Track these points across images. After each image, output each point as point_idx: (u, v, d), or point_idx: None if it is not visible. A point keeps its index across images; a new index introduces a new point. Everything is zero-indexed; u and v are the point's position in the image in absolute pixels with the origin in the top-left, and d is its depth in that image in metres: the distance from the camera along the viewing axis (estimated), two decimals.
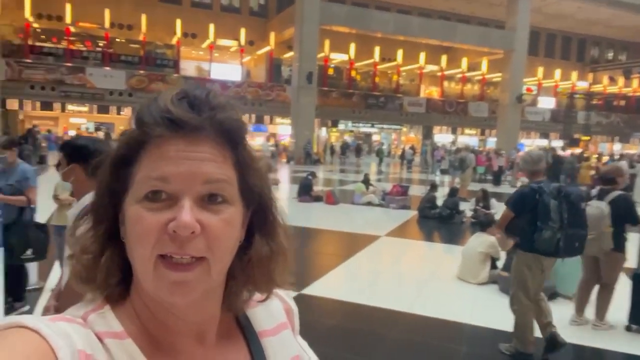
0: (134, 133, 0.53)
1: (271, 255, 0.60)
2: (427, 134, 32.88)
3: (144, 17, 23.95)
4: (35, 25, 23.14)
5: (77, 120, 26.39)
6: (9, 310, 3.77)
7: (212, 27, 25.40)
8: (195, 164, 0.51)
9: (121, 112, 24.53)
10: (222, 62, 27.75)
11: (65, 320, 0.50)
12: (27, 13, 21.71)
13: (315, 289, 5.28)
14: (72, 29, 23.10)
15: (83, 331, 0.50)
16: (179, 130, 0.51)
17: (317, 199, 11.54)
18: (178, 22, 24.78)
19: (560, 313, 4.42)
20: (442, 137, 33.65)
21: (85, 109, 24.36)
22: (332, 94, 27.92)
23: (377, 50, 28.42)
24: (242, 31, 26.41)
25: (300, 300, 4.97)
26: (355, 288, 5.47)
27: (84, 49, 24.40)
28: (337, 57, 29.02)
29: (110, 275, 0.55)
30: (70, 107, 24.07)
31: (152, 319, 0.55)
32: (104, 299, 0.55)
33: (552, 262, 3.66)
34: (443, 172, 19.77)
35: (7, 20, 21.37)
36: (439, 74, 31.31)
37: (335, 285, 5.60)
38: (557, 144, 29.84)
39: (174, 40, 25.41)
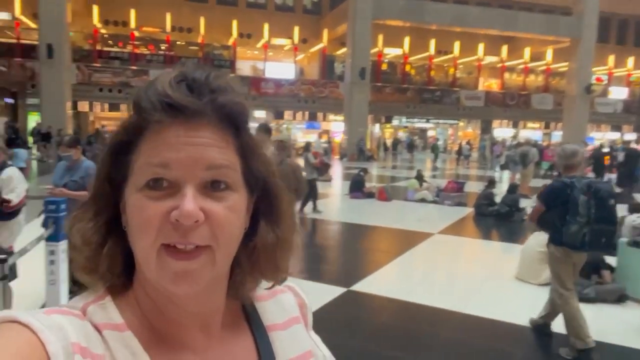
0: (132, 119, 0.52)
1: (277, 243, 0.58)
2: (486, 129, 31.67)
3: (202, 20, 24.78)
4: (103, 31, 24.60)
5: None
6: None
7: (266, 26, 25.85)
8: (197, 149, 0.49)
9: None
10: (276, 61, 28.19)
11: (61, 313, 0.49)
12: (96, 20, 23.12)
13: (365, 286, 5.21)
14: (137, 34, 24.34)
15: (79, 323, 0.49)
16: (178, 115, 0.49)
17: (369, 195, 11.44)
18: (234, 23, 25.42)
19: (630, 317, 4.08)
20: (502, 131, 32.28)
21: None
22: (386, 89, 27.53)
23: (432, 43, 27.71)
24: (296, 29, 26.66)
25: (348, 296, 4.92)
26: (406, 286, 5.34)
27: (147, 52, 25.64)
28: (391, 52, 28.61)
29: (112, 265, 0.54)
30: None
31: (154, 310, 0.54)
32: (106, 289, 0.54)
33: (582, 258, 3.66)
34: (503, 167, 18.93)
35: (78, 27, 22.86)
36: (499, 65, 30.02)
37: (385, 282, 5.50)
38: (631, 136, 27.73)
39: (231, 41, 26.10)
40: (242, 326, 0.61)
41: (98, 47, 23.92)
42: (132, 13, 23.61)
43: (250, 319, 0.62)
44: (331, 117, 28.65)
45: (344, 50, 25.73)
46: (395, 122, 31.46)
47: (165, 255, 0.48)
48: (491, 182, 10.43)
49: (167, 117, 0.49)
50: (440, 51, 28.89)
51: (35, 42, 19.08)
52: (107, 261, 0.53)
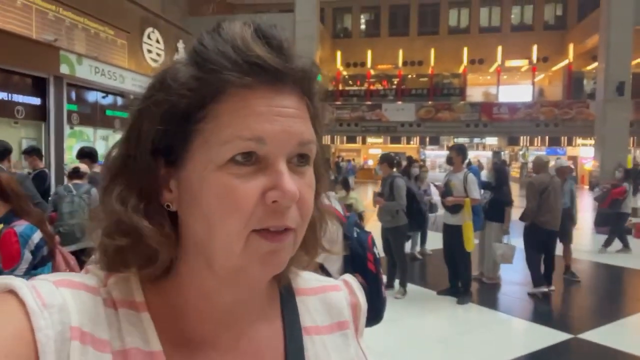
0: (197, 80, 0.43)
1: (317, 221, 0.53)
2: None
3: (432, 51, 25.27)
4: (344, 72, 27.55)
5: (375, 151, 29.68)
6: None
7: (500, 49, 24.61)
8: (290, 122, 0.44)
9: (410, 142, 26.31)
10: (511, 84, 26.40)
11: (72, 286, 0.44)
12: (338, 63, 26.12)
13: (598, 335, 4.28)
14: (372, 72, 26.44)
15: (90, 300, 0.44)
16: (264, 78, 0.43)
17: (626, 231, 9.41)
18: (465, 50, 25.06)
19: None
20: None
21: (380, 140, 27.23)
22: None
23: None
24: (534, 48, 24.54)
25: (573, 344, 4.12)
26: None
27: (381, 88, 27.53)
28: None
29: (161, 251, 0.46)
30: (369, 139, 27.36)
31: (186, 301, 0.48)
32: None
33: None
34: None
35: (324, 71, 26.17)
36: None
37: (627, 335, 4.40)
38: None
39: (461, 69, 25.76)
40: (275, 322, 0.54)
41: (340, 87, 26.88)
42: (369, 54, 25.80)
43: (285, 316, 0.54)
44: (579, 141, 24.99)
45: (594, 65, 22.34)
46: None
47: (258, 238, 0.43)
48: None
49: (253, 79, 0.42)
50: None
51: None
52: (141, 251, 0.46)
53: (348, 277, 0.64)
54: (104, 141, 12.19)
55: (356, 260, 2.26)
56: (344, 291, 0.60)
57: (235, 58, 0.42)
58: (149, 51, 14.50)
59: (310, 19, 20.19)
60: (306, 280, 0.59)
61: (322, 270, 2.24)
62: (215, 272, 0.46)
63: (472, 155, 19.82)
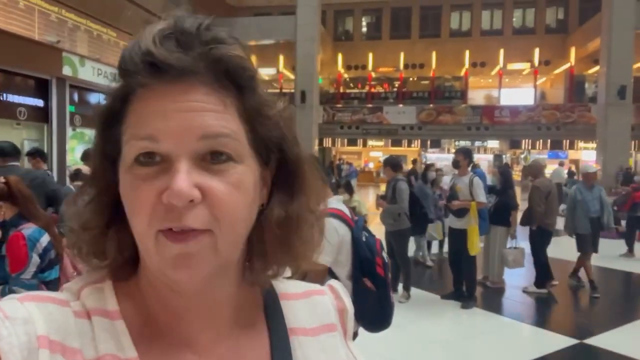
0: (117, 85, 0.46)
1: (289, 222, 0.50)
2: None
3: (434, 54, 25.27)
4: (345, 75, 27.56)
5: (375, 154, 29.67)
6: None
7: (501, 52, 24.62)
8: (188, 116, 0.42)
9: (412, 145, 26.29)
10: (512, 87, 26.41)
11: (38, 300, 0.44)
12: (340, 66, 26.13)
13: (605, 341, 4.25)
14: (373, 75, 26.44)
15: (57, 312, 0.44)
16: (164, 76, 0.42)
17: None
18: (466, 53, 25.07)
19: None
20: None
21: (381, 143, 27.21)
22: None
23: None
24: (536, 51, 24.54)
25: (579, 350, 4.09)
26: None
27: (382, 90, 27.52)
28: None
29: (121, 249, 0.48)
30: (370, 142, 27.34)
31: (156, 301, 0.48)
32: (109, 272, 0.49)
33: None
34: None
35: (325, 74, 26.24)
36: None
37: (634, 340, 4.37)
38: None
39: (462, 72, 25.76)
40: (259, 326, 0.53)
41: (341, 90, 26.87)
42: (370, 56, 25.80)
43: (270, 317, 0.54)
44: (580, 144, 24.97)
45: (596, 68, 22.35)
46: None
47: (162, 239, 0.42)
48: None
49: (152, 79, 0.42)
50: None
51: (292, 90, 22.76)
52: (114, 244, 0.48)
53: (333, 282, 0.63)
54: None
55: (365, 264, 2.24)
56: (329, 296, 0.59)
57: (136, 60, 0.42)
58: None
59: (311, 21, 20.20)
60: (290, 285, 0.59)
61: (331, 275, 2.21)
62: (153, 273, 0.47)
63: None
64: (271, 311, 0.54)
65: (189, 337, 0.48)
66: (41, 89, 9.25)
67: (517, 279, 6.30)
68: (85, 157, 4.82)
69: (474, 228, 5.16)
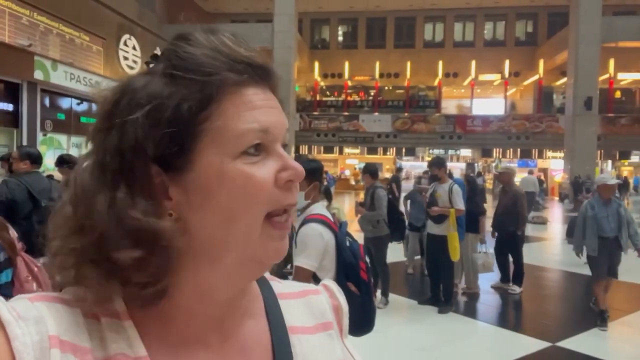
0: (197, 83, 0.45)
1: None
2: None
3: (408, 64, 25.73)
4: (322, 83, 27.74)
5: (351, 162, 29.89)
6: None
7: (473, 63, 25.26)
8: (278, 112, 0.50)
9: (387, 153, 26.60)
10: (484, 97, 27.10)
11: (47, 300, 0.45)
12: (316, 74, 26.29)
13: (576, 344, 4.38)
14: (349, 83, 26.70)
15: (66, 312, 0.44)
16: (253, 75, 0.48)
17: None
18: (440, 64, 25.61)
19: None
20: None
21: (357, 151, 27.43)
22: (621, 120, 23.45)
23: None
24: (506, 63, 25.29)
25: (552, 353, 4.21)
26: (629, 350, 4.28)
27: (358, 99, 27.81)
28: (627, 77, 24.44)
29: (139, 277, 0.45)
30: (346, 150, 27.54)
31: (171, 301, 0.47)
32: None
33: None
34: None
35: (302, 82, 26.35)
36: None
37: (603, 343, 4.52)
38: None
39: (436, 82, 26.30)
40: (260, 324, 0.55)
41: (317, 98, 27.02)
42: (346, 65, 26.07)
43: (269, 317, 0.56)
44: (549, 154, 25.77)
45: (564, 80, 23.16)
46: (635, 158, 26.36)
47: (269, 227, 0.47)
48: None
49: (249, 78, 0.48)
50: None
51: None
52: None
53: (327, 281, 0.65)
54: (77, 149, 11.90)
55: (349, 269, 2.26)
56: (324, 295, 0.62)
57: (227, 60, 0.46)
58: (125, 58, 14.30)
59: (288, 29, 20.29)
60: (287, 285, 0.61)
61: (315, 280, 2.23)
62: (221, 268, 0.47)
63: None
64: (271, 310, 0.56)
65: (197, 337, 0.49)
66: (11, 93, 8.99)
67: (490, 284, 6.45)
68: (59, 162, 4.69)
69: (453, 234, 5.26)
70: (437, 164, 5.59)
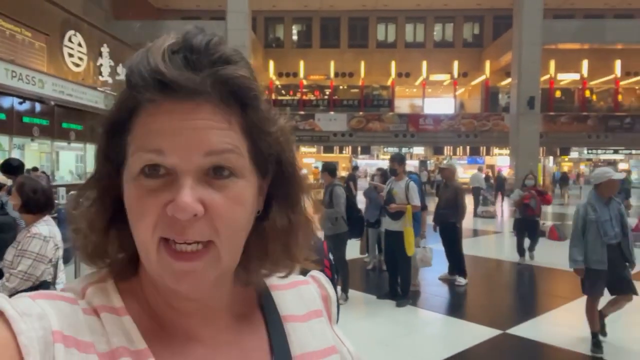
0: (124, 95, 0.47)
1: (289, 228, 0.54)
2: None
3: (362, 64, 26.12)
4: (277, 82, 27.66)
5: (308, 160, 29.95)
6: None
7: (424, 63, 25.98)
8: (195, 133, 0.44)
9: (343, 152, 26.89)
10: (435, 97, 27.94)
11: (48, 297, 0.46)
12: (271, 73, 26.18)
13: (524, 330, 4.65)
14: (305, 82, 26.79)
15: (67, 308, 0.46)
16: (173, 94, 0.43)
17: (540, 234, 10.27)
18: (393, 64, 26.17)
19: None
20: None
21: (314, 150, 27.56)
22: (561, 118, 24.87)
23: (617, 64, 24.34)
24: (455, 64, 26.19)
25: (503, 340, 4.44)
26: (574, 335, 4.59)
27: (313, 98, 27.95)
28: (566, 78, 25.93)
29: (122, 250, 0.51)
30: (302, 149, 27.59)
31: (158, 299, 0.50)
32: (109, 271, 0.51)
33: None
34: None
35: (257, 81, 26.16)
36: None
37: (549, 328, 4.82)
38: None
39: (389, 81, 26.86)
40: (255, 316, 0.57)
41: (273, 97, 26.93)
42: (301, 64, 26.14)
43: (264, 308, 0.57)
44: (496, 151, 26.93)
45: (508, 80, 24.26)
46: (574, 154, 28.02)
47: (165, 254, 0.45)
48: None
49: (160, 96, 0.43)
50: (629, 72, 25.14)
51: None
52: (115, 245, 0.50)
53: (315, 272, 0.66)
54: (20, 150, 11.29)
55: None
56: (313, 284, 0.64)
57: (144, 76, 0.43)
58: (70, 55, 13.68)
59: (242, 27, 20.06)
60: (276, 277, 0.61)
61: None
62: (151, 277, 0.49)
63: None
64: (265, 301, 0.58)
65: (191, 331, 0.51)
66: None
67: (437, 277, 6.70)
68: (5, 168, 4.45)
69: (409, 229, 5.44)
70: (398, 159, 5.74)
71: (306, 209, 0.56)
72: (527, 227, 8.11)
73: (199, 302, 0.50)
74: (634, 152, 27.82)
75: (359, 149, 26.49)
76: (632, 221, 10.81)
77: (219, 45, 0.46)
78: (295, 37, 28.95)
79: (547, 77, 23.99)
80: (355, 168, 16.92)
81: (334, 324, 0.64)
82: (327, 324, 0.61)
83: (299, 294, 0.61)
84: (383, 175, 7.38)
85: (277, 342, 0.55)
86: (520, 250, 8.10)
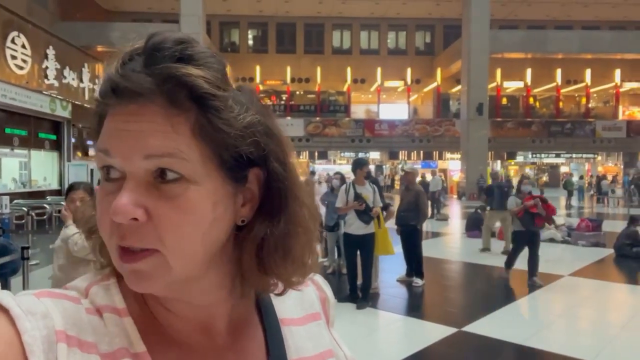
0: (96, 103, 0.48)
1: (271, 240, 0.49)
2: (631, 162, 28.02)
3: (319, 69, 26.35)
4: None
5: None
6: None
7: (379, 70, 26.54)
8: (133, 135, 0.42)
9: (300, 156, 26.96)
10: (389, 103, 28.57)
11: (52, 296, 0.46)
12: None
13: (479, 327, 4.85)
14: (261, 87, 26.67)
15: (71, 308, 0.46)
16: (120, 98, 0.43)
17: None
18: (348, 70, 26.57)
19: None
20: None
21: None
22: (507, 124, 26.11)
23: (558, 72, 25.83)
24: (409, 71, 26.93)
25: (460, 337, 4.61)
26: (526, 330, 4.84)
27: (270, 103, 27.89)
28: (511, 85, 27.25)
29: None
30: None
31: (154, 300, 0.50)
32: (113, 270, 0.50)
33: None
34: None
35: None
36: None
37: (502, 324, 5.05)
38: None
39: (345, 87, 27.23)
40: (253, 319, 0.56)
41: None
42: (257, 69, 26.04)
43: (262, 311, 0.57)
44: (448, 155, 27.86)
45: (458, 87, 25.22)
46: (520, 158, 29.44)
47: (117, 256, 0.44)
48: (633, 220, 9.12)
49: (114, 100, 0.44)
50: (569, 81, 26.73)
51: None
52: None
53: (313, 275, 0.65)
54: None
55: None
56: (311, 287, 0.64)
57: (104, 80, 0.45)
58: (14, 57, 12.97)
59: (195, 31, 19.74)
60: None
61: None
62: None
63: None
64: (263, 305, 0.57)
65: (188, 334, 0.51)
66: None
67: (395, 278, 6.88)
68: None
69: (385, 230, 5.63)
70: (360, 164, 5.84)
71: (304, 219, 0.51)
72: (529, 239, 6.77)
73: (191, 304, 0.50)
74: (574, 155, 29.61)
75: (316, 153, 26.65)
76: (574, 221, 11.53)
77: (180, 45, 0.44)
78: (250, 42, 28.83)
79: (494, 84, 25.08)
80: (312, 173, 17.01)
81: (332, 327, 0.64)
82: (325, 327, 0.61)
83: (297, 296, 0.60)
84: (342, 179, 7.47)
85: (273, 346, 0.55)
86: (512, 264, 7.13)
